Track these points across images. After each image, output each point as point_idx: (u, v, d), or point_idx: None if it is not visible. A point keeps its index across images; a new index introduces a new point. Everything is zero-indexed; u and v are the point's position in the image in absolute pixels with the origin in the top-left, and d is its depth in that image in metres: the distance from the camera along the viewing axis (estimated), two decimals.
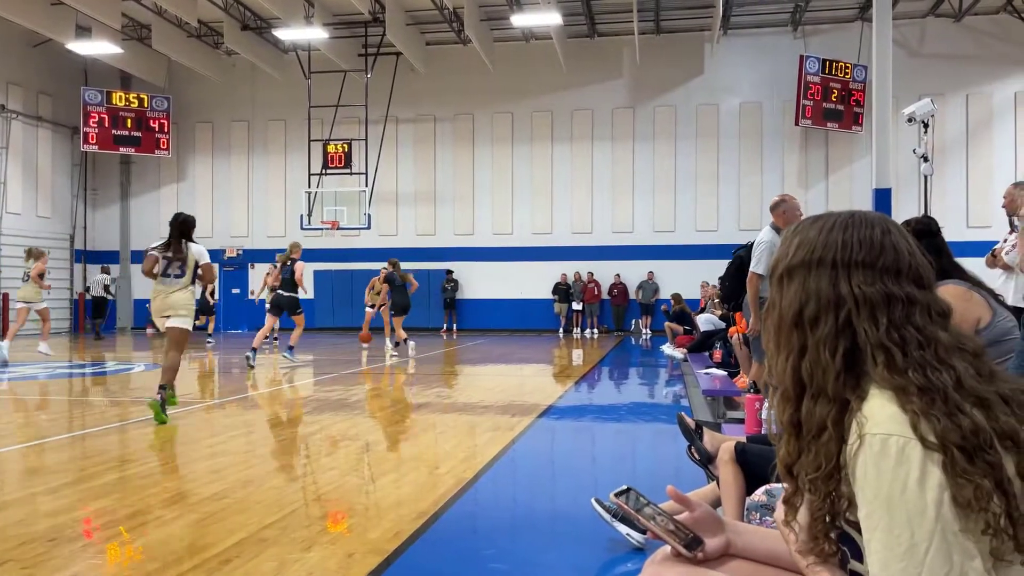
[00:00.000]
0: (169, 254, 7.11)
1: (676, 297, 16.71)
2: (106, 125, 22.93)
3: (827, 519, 1.19)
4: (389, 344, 15.27)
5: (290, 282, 12.71)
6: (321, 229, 22.26)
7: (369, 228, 22.34)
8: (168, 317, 7.07)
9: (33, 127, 23.32)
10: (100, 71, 24.49)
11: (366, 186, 22.45)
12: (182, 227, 7.19)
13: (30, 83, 23.04)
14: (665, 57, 22.95)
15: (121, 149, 23.52)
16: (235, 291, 25.01)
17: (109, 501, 4.16)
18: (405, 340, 14.74)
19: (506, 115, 23.80)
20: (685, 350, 13.06)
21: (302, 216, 22.09)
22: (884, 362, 1.16)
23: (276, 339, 17.84)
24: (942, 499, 1.08)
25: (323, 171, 22.33)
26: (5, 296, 21.66)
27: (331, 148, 22.15)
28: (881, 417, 1.12)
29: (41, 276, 13.76)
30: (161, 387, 6.82)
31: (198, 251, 7.14)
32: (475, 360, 13.99)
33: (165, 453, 5.58)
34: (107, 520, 3.81)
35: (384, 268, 15.22)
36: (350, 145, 22.26)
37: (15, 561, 3.18)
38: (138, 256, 25.53)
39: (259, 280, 18.06)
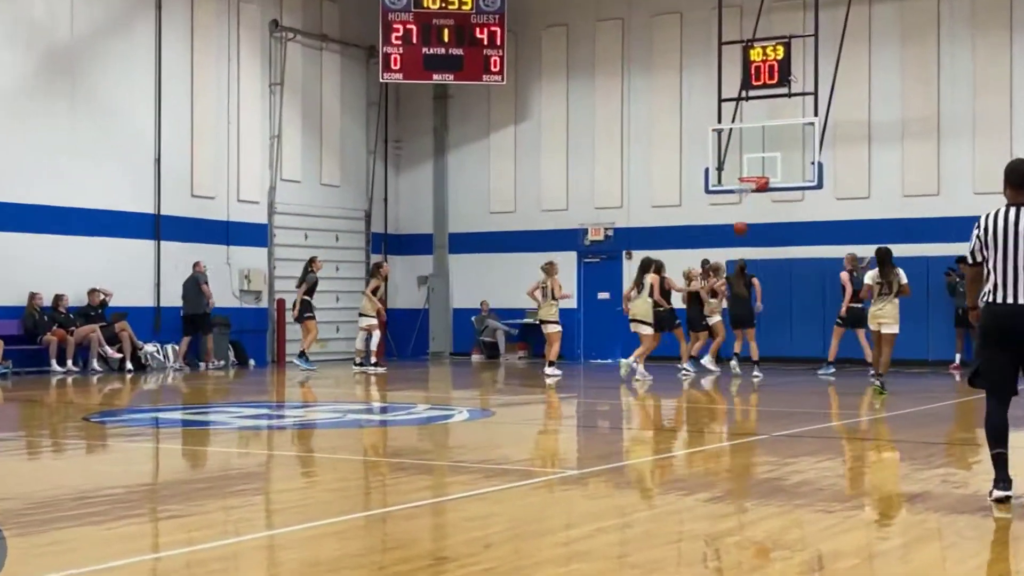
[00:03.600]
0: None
1: None
2: (414, 40, 25.33)
3: None
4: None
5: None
6: (737, 191, 22.43)
7: (819, 186, 22.05)
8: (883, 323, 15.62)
9: (316, 51, 26.52)
10: None
11: (814, 115, 22.17)
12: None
13: None
14: None
15: (434, 76, 25.79)
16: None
17: None
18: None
19: None
20: None
21: (707, 171, 22.42)
22: None
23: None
24: None
25: (742, 94, 22.44)
26: (280, 303, 24.91)
27: (755, 54, 22.20)
28: None
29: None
30: (878, 375, 15.73)
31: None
32: None
33: None
34: None
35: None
36: (787, 46, 22.09)
37: None
38: (461, 242, 27.73)
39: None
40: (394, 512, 7.14)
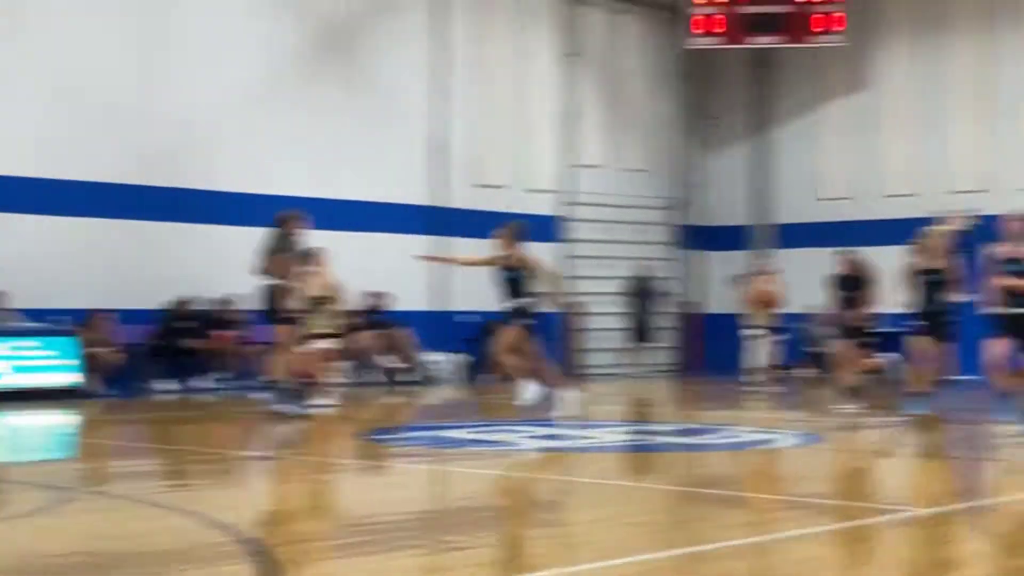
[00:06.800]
0: None
1: None
2: None
3: None
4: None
5: None
6: None
7: None
8: None
9: (619, 15, 26.77)
10: None
11: None
12: None
13: None
14: None
15: (752, 40, 25.59)
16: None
17: None
18: None
19: None
20: None
21: None
22: None
23: None
24: None
25: None
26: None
27: None
28: None
29: None
30: None
31: None
32: None
33: None
34: None
35: None
36: None
37: None
38: (784, 234, 27.34)
39: None
40: (706, 552, 7.10)
